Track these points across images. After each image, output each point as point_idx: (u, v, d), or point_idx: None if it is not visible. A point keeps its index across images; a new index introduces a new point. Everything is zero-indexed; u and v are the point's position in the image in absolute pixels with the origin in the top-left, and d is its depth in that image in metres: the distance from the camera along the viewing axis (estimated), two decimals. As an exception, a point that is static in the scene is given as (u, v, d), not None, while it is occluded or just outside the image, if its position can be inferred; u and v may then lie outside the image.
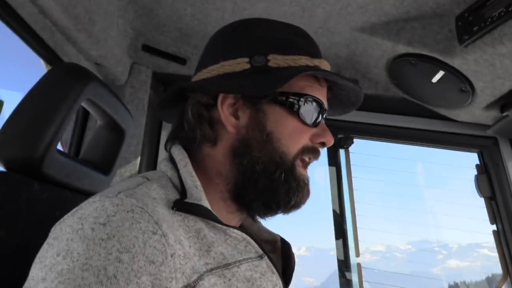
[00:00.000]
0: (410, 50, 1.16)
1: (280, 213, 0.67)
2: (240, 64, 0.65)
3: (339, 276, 1.56)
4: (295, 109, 0.64)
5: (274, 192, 0.63)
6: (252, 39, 0.68)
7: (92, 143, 1.00)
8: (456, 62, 1.11)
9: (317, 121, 0.66)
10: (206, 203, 0.58)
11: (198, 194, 0.59)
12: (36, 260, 0.48)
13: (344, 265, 1.56)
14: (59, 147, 1.40)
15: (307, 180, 0.67)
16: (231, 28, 0.73)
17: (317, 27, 1.24)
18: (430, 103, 1.36)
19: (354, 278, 1.50)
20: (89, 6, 1.08)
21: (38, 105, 0.75)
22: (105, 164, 0.99)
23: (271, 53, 0.65)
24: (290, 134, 0.64)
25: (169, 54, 1.48)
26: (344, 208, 1.58)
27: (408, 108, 1.46)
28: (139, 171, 1.45)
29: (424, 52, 1.14)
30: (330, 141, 0.68)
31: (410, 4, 1.10)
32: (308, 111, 0.65)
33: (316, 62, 0.67)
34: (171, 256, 0.49)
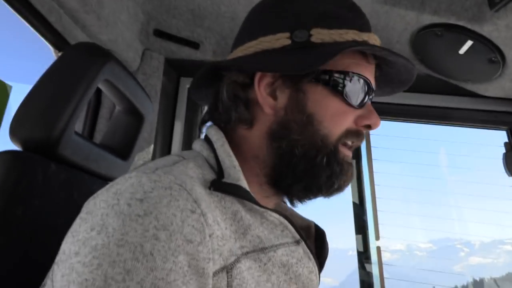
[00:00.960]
0: (436, 20, 1.10)
1: (321, 196, 0.64)
2: (280, 39, 0.61)
3: (359, 268, 1.52)
4: (339, 89, 0.60)
5: (316, 177, 0.60)
6: (294, 12, 0.64)
7: (111, 129, 0.99)
8: (486, 30, 1.04)
9: (364, 101, 0.62)
10: (244, 184, 0.57)
11: (236, 174, 0.57)
12: (68, 234, 0.46)
13: (364, 256, 1.52)
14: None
15: (351, 160, 0.64)
16: (271, 0, 0.68)
17: (335, 1, 1.19)
18: (456, 77, 1.30)
19: (374, 269, 1.46)
20: None
21: (55, 85, 0.73)
22: (123, 149, 0.97)
23: (315, 27, 0.61)
24: (333, 116, 0.60)
25: (181, 38, 1.44)
26: (364, 198, 1.53)
27: (432, 86, 1.39)
28: (153, 158, 1.42)
29: (452, 21, 1.08)
30: (377, 123, 0.64)
31: (436, -31, 1.04)
32: (354, 91, 0.61)
33: (364, 36, 0.62)
34: (209, 236, 0.47)
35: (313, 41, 0.60)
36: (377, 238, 1.47)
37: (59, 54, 1.19)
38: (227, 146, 0.60)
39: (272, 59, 0.61)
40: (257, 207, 0.57)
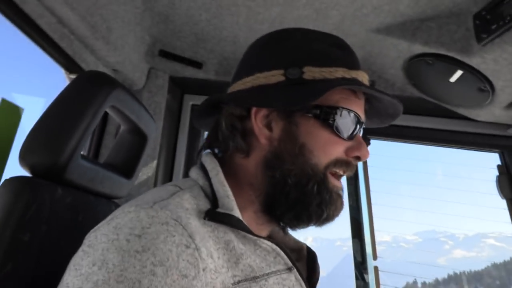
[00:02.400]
0: (427, 50, 1.15)
1: (312, 225, 0.65)
2: (275, 76, 0.65)
3: (356, 279, 1.54)
4: (329, 122, 0.63)
5: (307, 204, 0.62)
6: (287, 50, 0.67)
7: (115, 148, 1.03)
8: (474, 61, 1.09)
9: (353, 134, 0.65)
10: (237, 213, 0.58)
11: (229, 204, 0.59)
12: (71, 267, 0.48)
13: (362, 267, 1.54)
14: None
15: (341, 191, 0.66)
16: (267, 38, 0.72)
17: (331, 29, 1.24)
18: (449, 102, 1.34)
19: (371, 282, 1.49)
20: (106, 15, 1.11)
21: (63, 112, 0.77)
22: (127, 168, 1.01)
23: (306, 65, 0.64)
24: (323, 146, 0.63)
25: (185, 58, 1.50)
26: (360, 206, 1.55)
27: (426, 108, 1.44)
28: (156, 175, 1.48)
29: (441, 51, 1.12)
30: (366, 155, 0.66)
31: (426, 3, 1.08)
32: (343, 124, 0.64)
33: (353, 74, 0.65)
34: (203, 270, 0.49)
35: (305, 78, 0.63)
36: (375, 258, 1.50)
37: (70, 75, 1.25)
38: (221, 176, 0.62)
39: (267, 94, 0.64)
40: (250, 236, 0.58)
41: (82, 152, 0.80)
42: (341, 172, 0.66)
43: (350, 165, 0.66)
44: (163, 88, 1.52)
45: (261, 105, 0.65)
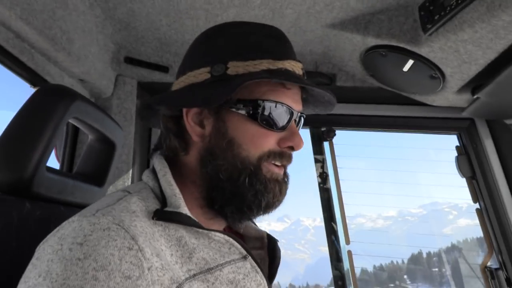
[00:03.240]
0: (379, 42, 1.21)
1: (257, 215, 0.67)
2: (202, 74, 0.66)
3: (331, 263, 1.59)
4: (255, 115, 0.63)
5: (242, 197, 0.64)
6: (214, 47, 0.68)
7: (84, 157, 1.04)
8: (423, 51, 1.15)
9: (283, 125, 0.65)
10: (185, 210, 0.60)
11: (177, 202, 0.60)
12: (22, 279, 0.50)
13: (336, 251, 1.58)
14: (55, 161, 1.45)
15: (280, 179, 0.66)
16: (200, 37, 0.74)
17: (289, 27, 1.29)
18: (406, 90, 1.40)
19: (346, 266, 1.55)
20: (65, 26, 1.12)
21: (24, 128, 0.78)
22: (98, 176, 1.03)
23: (231, 60, 0.65)
24: (252, 139, 0.64)
25: (151, 63, 1.52)
26: (332, 203, 1.61)
27: (386, 97, 1.50)
28: (132, 180, 1.50)
29: (393, 43, 1.18)
30: (299, 144, 0.67)
31: (374, -2, 1.14)
32: (271, 115, 0.64)
33: (279, 64, 0.65)
34: (148, 269, 0.51)
35: (229, 73, 0.64)
36: (347, 242, 1.56)
37: (35, 89, 1.26)
38: (168, 176, 0.64)
39: (194, 93, 0.65)
40: (202, 230, 0.60)
41: (59, 163, 0.80)
42: (278, 163, 0.66)
43: (283, 155, 0.66)
44: (132, 94, 1.53)
45: (184, 105, 0.66)
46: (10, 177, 0.73)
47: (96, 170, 1.04)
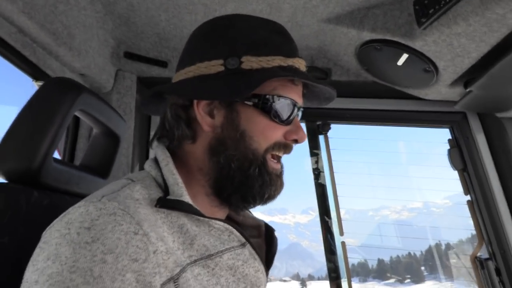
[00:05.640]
0: (374, 36, 1.24)
1: (257, 205, 0.70)
2: (215, 66, 0.67)
3: (325, 254, 1.61)
4: (266, 109, 0.67)
5: (250, 187, 0.67)
6: (227, 40, 0.69)
7: (89, 150, 1.07)
8: (417, 44, 1.18)
9: (289, 119, 0.69)
10: (187, 198, 0.62)
11: (179, 190, 0.62)
12: (30, 263, 0.52)
13: (330, 243, 1.61)
14: (57, 155, 1.47)
15: (280, 173, 0.71)
16: (209, 27, 0.74)
17: (286, 22, 1.31)
18: (399, 84, 1.44)
19: (339, 258, 1.58)
20: (66, 21, 1.14)
21: (33, 119, 0.80)
22: (102, 168, 1.06)
23: (245, 54, 0.67)
24: (263, 131, 0.67)
25: (150, 58, 1.55)
26: (326, 197, 1.64)
27: (380, 91, 1.53)
28: (132, 172, 1.52)
29: (387, 37, 1.21)
30: (303, 137, 0.70)
31: (370, -7, 1.17)
32: (280, 110, 0.67)
33: (290, 61, 0.69)
34: (154, 253, 0.53)
35: (243, 68, 0.66)
36: (341, 234, 1.60)
37: (37, 83, 1.28)
38: (171, 165, 0.65)
39: (208, 85, 0.67)
40: (203, 218, 0.62)
41: (60, 157, 0.82)
42: (280, 154, 0.71)
43: (287, 147, 0.71)
44: (131, 89, 1.55)
45: (202, 98, 0.68)
46: (19, 167, 0.76)
47: (100, 163, 1.07)
